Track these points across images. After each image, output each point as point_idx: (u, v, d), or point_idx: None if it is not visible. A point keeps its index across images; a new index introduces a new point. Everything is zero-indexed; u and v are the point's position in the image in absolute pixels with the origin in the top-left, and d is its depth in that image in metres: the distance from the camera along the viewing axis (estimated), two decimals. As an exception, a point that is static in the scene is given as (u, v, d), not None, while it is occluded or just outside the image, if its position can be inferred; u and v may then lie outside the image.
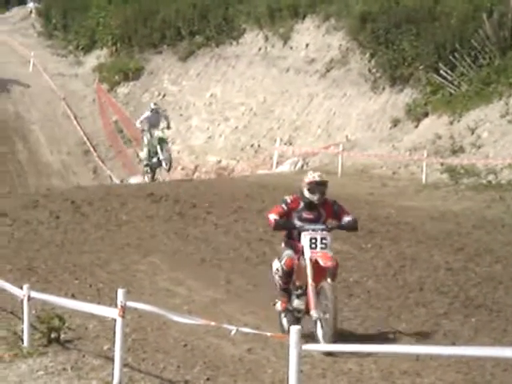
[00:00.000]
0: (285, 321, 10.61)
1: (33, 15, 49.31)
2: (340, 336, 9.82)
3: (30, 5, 50.68)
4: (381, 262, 14.16)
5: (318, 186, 10.46)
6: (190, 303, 12.11)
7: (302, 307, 10.26)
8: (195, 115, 36.35)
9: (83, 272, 13.99)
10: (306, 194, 10.45)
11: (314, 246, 10.16)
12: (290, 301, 10.45)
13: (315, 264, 10.06)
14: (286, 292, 10.49)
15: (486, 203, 19.56)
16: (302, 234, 10.25)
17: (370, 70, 30.24)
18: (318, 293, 9.98)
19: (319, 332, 9.95)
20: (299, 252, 10.30)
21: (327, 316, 9.80)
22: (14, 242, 16.16)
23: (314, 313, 9.97)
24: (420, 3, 29.45)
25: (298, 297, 10.34)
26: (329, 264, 10.05)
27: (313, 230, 10.25)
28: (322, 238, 10.20)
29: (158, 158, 26.03)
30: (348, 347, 8.62)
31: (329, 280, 10.00)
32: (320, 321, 9.94)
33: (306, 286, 10.11)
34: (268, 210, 17.85)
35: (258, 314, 11.58)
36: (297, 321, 10.23)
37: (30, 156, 35.57)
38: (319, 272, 10.03)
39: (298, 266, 10.26)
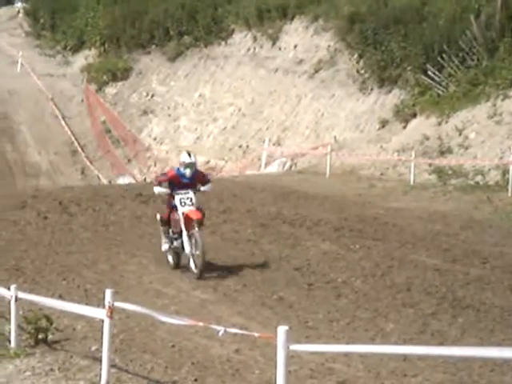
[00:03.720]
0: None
1: (20, 15, 49.14)
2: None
3: (18, 4, 50.50)
4: (369, 263, 14.19)
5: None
6: (177, 304, 12.10)
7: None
8: (184, 115, 36.34)
9: (71, 272, 13.97)
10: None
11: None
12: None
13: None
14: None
15: (474, 204, 19.62)
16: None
17: (358, 71, 30.30)
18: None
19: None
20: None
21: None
22: (2, 243, 16.12)
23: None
24: (408, 4, 29.52)
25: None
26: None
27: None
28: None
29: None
30: (336, 347, 8.63)
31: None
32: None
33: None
34: (256, 210, 17.87)
35: (245, 314, 11.59)
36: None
37: (18, 156, 35.47)
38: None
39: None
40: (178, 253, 14.14)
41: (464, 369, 9.27)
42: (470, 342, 10.30)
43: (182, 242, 13.78)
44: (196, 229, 13.51)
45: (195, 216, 13.60)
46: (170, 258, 14.36)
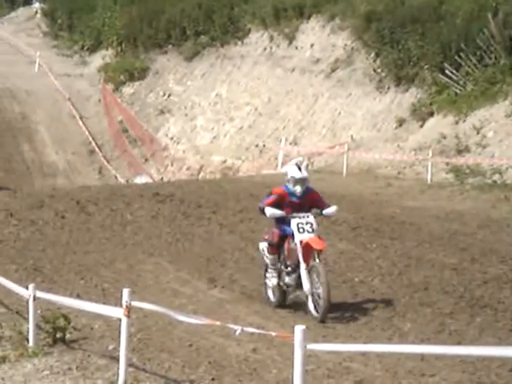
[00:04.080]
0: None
1: (38, 15, 49.36)
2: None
3: (36, 5, 50.75)
4: (386, 262, 14.15)
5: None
6: (195, 303, 12.12)
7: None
8: (200, 115, 36.37)
9: (88, 272, 14.01)
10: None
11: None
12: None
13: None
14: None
15: (491, 203, 19.54)
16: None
17: (375, 70, 30.22)
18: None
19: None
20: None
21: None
22: (20, 242, 16.20)
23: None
24: (425, 3, 29.41)
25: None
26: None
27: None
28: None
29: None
30: (353, 347, 8.61)
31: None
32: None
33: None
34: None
35: (262, 313, 11.59)
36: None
37: (36, 156, 35.63)
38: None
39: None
40: (284, 290, 11.84)
41: (482, 368, 9.23)
42: (488, 341, 10.26)
43: (297, 278, 11.47)
44: (317, 260, 11.21)
45: (318, 246, 11.26)
46: (272, 295, 11.99)
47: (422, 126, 27.23)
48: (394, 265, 13.98)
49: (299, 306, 11.86)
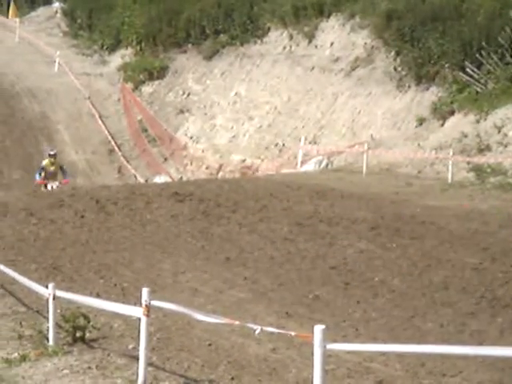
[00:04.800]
0: None
1: (58, 15, 49.55)
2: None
3: (56, 5, 50.93)
4: (406, 262, 14.08)
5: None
6: (214, 302, 12.10)
7: None
8: (220, 114, 36.37)
9: (108, 271, 14.03)
10: None
11: None
12: None
13: None
14: None
15: (513, 202, 19.42)
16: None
17: (395, 69, 30.10)
18: None
19: None
20: None
21: None
22: (40, 241, 16.25)
23: None
24: (446, 1, 29.26)
25: None
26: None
27: None
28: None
29: None
30: (373, 347, 8.57)
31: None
32: None
33: None
34: (292, 209, 17.84)
35: (282, 313, 11.56)
36: None
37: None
38: None
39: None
40: None
41: (504, 369, 9.16)
42: (510, 341, 10.17)
43: None
44: None
45: None
46: None
47: (442, 125, 27.10)
48: (414, 264, 13.91)
49: (318, 305, 11.82)
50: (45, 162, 24.15)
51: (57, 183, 23.15)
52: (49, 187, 22.96)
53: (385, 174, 24.85)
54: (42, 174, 23.60)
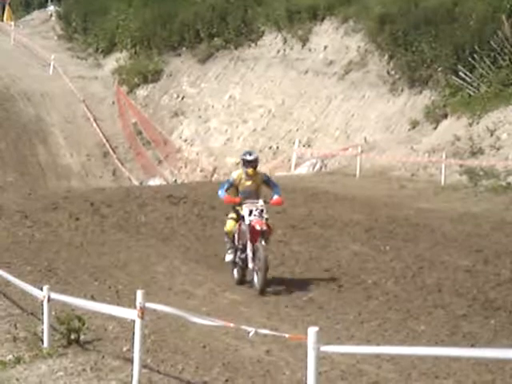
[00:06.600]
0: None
1: (53, 18, 49.56)
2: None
3: (51, 8, 50.94)
4: (399, 264, 14.14)
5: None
6: (208, 305, 12.15)
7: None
8: (214, 117, 36.42)
9: (102, 273, 14.06)
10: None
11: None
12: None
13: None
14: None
15: (505, 205, 19.49)
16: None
17: (388, 72, 30.19)
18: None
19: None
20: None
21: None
22: (35, 244, 16.27)
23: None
24: (439, 5, 29.34)
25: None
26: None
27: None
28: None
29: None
30: (367, 349, 8.61)
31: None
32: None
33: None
34: (286, 212, 17.88)
35: (276, 315, 11.60)
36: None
37: (50, 158, 35.75)
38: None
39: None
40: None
41: (496, 371, 9.21)
42: (503, 343, 10.23)
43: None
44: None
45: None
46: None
47: (435, 128, 27.18)
48: (407, 267, 13.97)
49: (312, 308, 11.87)
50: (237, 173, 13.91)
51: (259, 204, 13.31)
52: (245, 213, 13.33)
53: (378, 176, 24.91)
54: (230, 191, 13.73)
